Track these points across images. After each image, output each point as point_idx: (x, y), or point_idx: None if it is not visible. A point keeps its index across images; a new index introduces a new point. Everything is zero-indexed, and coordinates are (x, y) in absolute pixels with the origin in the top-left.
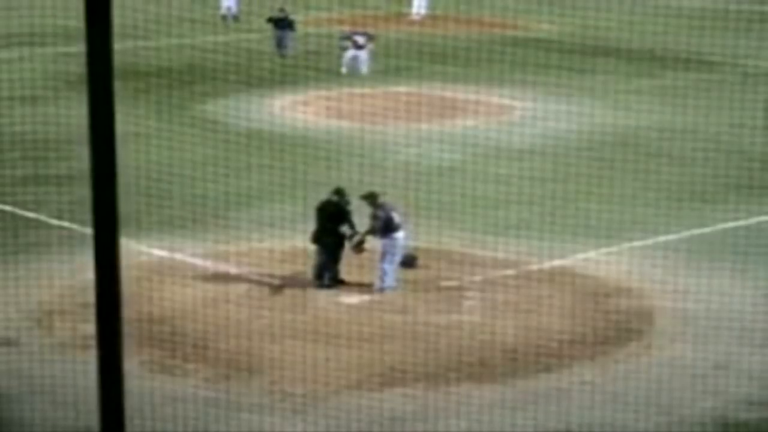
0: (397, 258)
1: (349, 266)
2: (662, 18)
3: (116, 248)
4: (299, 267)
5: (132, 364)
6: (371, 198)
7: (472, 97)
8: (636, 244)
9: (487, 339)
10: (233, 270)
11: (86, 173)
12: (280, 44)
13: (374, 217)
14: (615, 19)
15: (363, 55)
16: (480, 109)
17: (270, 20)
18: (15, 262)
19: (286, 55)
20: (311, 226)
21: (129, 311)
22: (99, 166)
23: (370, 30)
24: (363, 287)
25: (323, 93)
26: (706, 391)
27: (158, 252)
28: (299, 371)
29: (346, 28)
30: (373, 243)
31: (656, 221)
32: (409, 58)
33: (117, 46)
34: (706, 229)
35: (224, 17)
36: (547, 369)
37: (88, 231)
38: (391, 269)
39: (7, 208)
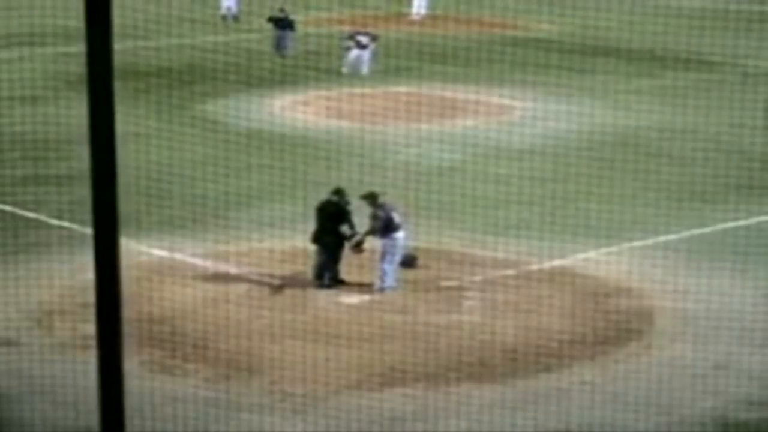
0: (397, 258)
1: (349, 266)
2: (662, 18)
3: (116, 248)
4: (299, 267)
5: (132, 364)
6: (371, 198)
7: (472, 97)
8: (636, 244)
9: (487, 339)
10: (233, 270)
11: (86, 173)
12: (280, 44)
13: (374, 217)
14: (615, 19)
15: (365, 54)
16: (480, 109)
17: (270, 20)
18: (15, 262)
19: (286, 55)
20: (311, 226)
21: (129, 311)
22: (99, 166)
23: (372, 30)
24: (363, 287)
25: (323, 93)
26: (706, 391)
27: (158, 252)
28: (299, 371)
29: (347, 28)
30: (373, 243)
31: (656, 221)
32: (409, 58)
33: (117, 46)
34: (706, 229)
35: (224, 17)
36: (547, 369)
37: (88, 231)
38: (391, 269)
39: (7, 208)
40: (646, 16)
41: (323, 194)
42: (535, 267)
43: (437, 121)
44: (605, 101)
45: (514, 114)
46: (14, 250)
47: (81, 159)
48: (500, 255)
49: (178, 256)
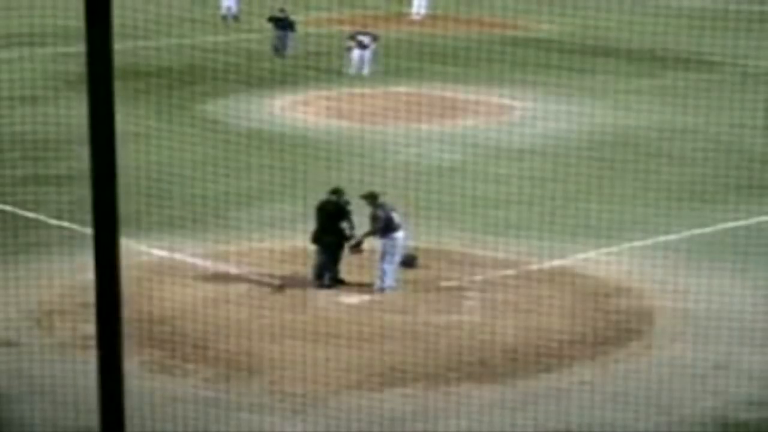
0: (397, 258)
1: (349, 266)
2: (662, 18)
3: (116, 248)
4: (299, 267)
5: (132, 364)
6: (371, 198)
7: (472, 97)
8: (636, 244)
9: (487, 339)
10: (233, 270)
11: (86, 173)
12: (280, 45)
13: (374, 217)
14: (615, 19)
15: (367, 55)
16: (480, 109)
17: (270, 20)
18: (15, 262)
19: (286, 55)
20: (311, 226)
21: (129, 311)
22: (99, 166)
23: (373, 30)
24: (363, 287)
25: (323, 93)
26: (706, 391)
27: (158, 252)
28: (299, 371)
29: (347, 28)
30: (373, 243)
31: (656, 221)
32: (409, 58)
33: (117, 46)
34: (706, 229)
35: (224, 17)
36: (547, 369)
37: (88, 231)
38: (391, 269)
39: (8, 208)
40: (646, 16)
41: (323, 194)
42: (535, 267)
43: (437, 121)
44: (605, 101)
45: (514, 114)
46: (14, 250)
47: (81, 159)
48: (500, 255)
49: (178, 256)
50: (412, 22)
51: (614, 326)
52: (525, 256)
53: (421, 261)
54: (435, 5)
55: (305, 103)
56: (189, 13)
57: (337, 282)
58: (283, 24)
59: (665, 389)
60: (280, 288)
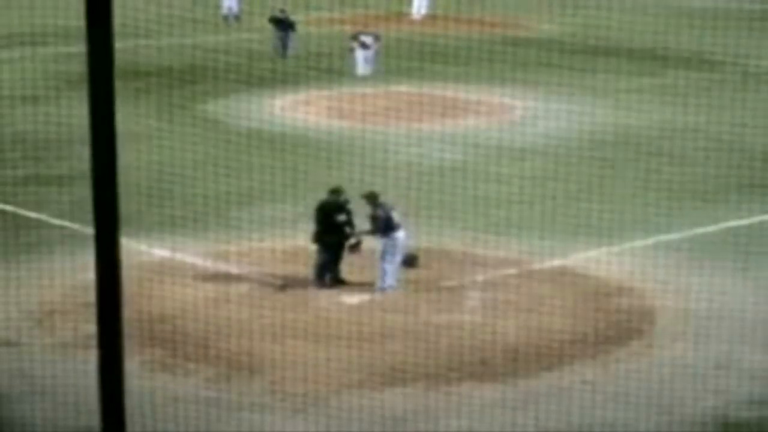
0: (398, 258)
1: (349, 266)
2: (663, 17)
3: (117, 248)
4: (300, 267)
5: (133, 364)
6: (372, 198)
7: (473, 96)
8: (637, 243)
9: (488, 338)
10: (234, 270)
11: (87, 173)
12: (281, 45)
13: (373, 217)
14: (616, 18)
15: (369, 55)
16: (481, 109)
17: (271, 21)
18: (16, 262)
19: (287, 56)
20: (312, 225)
21: (130, 311)
22: (100, 165)
23: (373, 29)
24: (364, 287)
25: (324, 93)
26: (708, 390)
27: (159, 252)
28: (300, 371)
29: (348, 28)
30: (373, 243)
31: (657, 220)
32: (410, 58)
33: (118, 45)
34: (708, 229)
35: (225, 17)
36: (548, 368)
37: (89, 231)
38: (392, 269)
39: (9, 207)
40: (647, 15)
41: (324, 194)
42: (536, 266)
43: (438, 121)
44: (606, 100)
45: (515, 113)
46: (15, 250)
47: (82, 159)
48: (501, 254)
49: (178, 255)
50: (412, 22)
51: (615, 326)
52: (526, 255)
53: (422, 261)
54: (436, 5)
55: (306, 103)
56: (190, 12)
57: (338, 282)
58: (283, 24)
59: (666, 388)
60: (281, 288)
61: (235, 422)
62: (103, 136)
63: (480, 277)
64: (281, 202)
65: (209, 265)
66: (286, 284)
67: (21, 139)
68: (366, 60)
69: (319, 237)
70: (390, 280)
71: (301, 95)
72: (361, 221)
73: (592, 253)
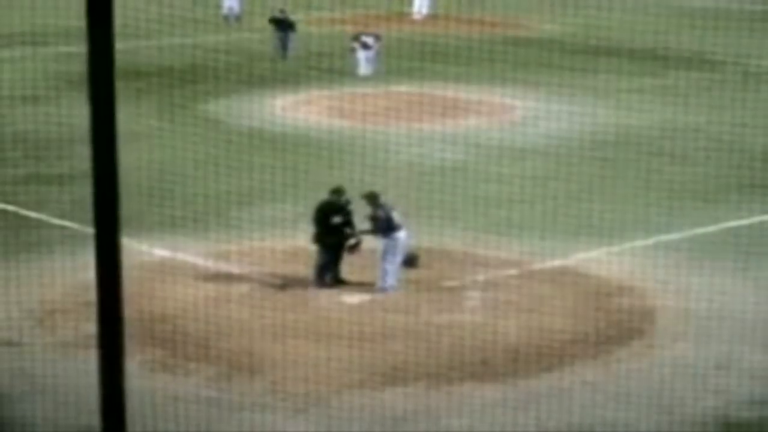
0: (399, 258)
1: (350, 266)
2: (664, 17)
3: (117, 248)
4: (301, 266)
5: (133, 364)
6: (372, 198)
7: (474, 96)
8: (638, 243)
9: (488, 338)
10: (235, 269)
11: (88, 173)
12: (282, 46)
13: (374, 217)
14: (617, 18)
15: (370, 55)
16: (482, 109)
17: (271, 22)
18: (17, 261)
19: (288, 56)
20: (312, 226)
21: (130, 311)
22: (100, 165)
23: (374, 29)
24: (364, 287)
25: (325, 93)
26: (708, 390)
27: (160, 251)
28: (301, 371)
29: (348, 28)
30: (374, 243)
31: (658, 220)
32: (410, 58)
33: (118, 45)
34: (708, 229)
35: (226, 17)
36: (549, 368)
37: (90, 230)
38: (393, 269)
39: (9, 207)
40: (648, 15)
41: (324, 194)
42: (537, 266)
43: (439, 121)
44: (607, 101)
45: (516, 114)
46: (16, 250)
47: (82, 158)
48: (502, 254)
49: (179, 255)
50: (413, 22)
51: (616, 326)
52: (527, 255)
53: (422, 261)
54: (436, 5)
55: (307, 103)
56: (191, 12)
57: (338, 282)
58: (283, 25)
59: (667, 388)
60: (282, 287)
61: (236, 422)
62: (103, 136)
63: (481, 277)
64: (281, 202)
65: (210, 265)
66: (287, 284)
67: (21, 138)
68: (367, 60)
69: (320, 237)
70: (391, 280)
71: (302, 95)
72: (361, 221)
73: (593, 253)
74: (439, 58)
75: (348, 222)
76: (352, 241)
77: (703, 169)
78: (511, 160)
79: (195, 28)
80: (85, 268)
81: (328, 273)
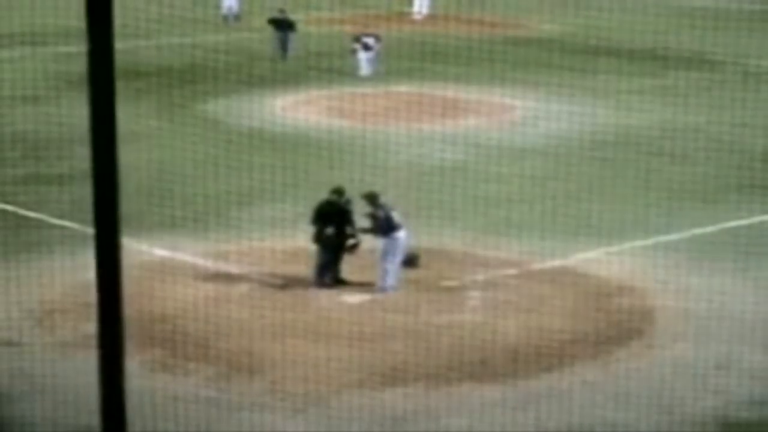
0: (399, 258)
1: (350, 266)
2: (664, 17)
3: (117, 247)
4: (301, 266)
5: (133, 364)
6: (372, 198)
7: (473, 97)
8: (637, 243)
9: (488, 338)
10: (234, 269)
11: (87, 173)
12: (282, 46)
13: (373, 217)
14: (616, 18)
15: (371, 55)
16: (482, 109)
17: (270, 22)
18: (16, 261)
19: (288, 57)
20: (312, 226)
21: (130, 310)
22: (100, 165)
23: (374, 30)
24: (364, 287)
25: (325, 93)
26: (708, 390)
27: (159, 251)
28: (300, 371)
29: (348, 28)
30: (374, 243)
31: (657, 221)
32: (410, 58)
33: (118, 45)
34: (708, 229)
35: (225, 17)
36: (549, 368)
37: (90, 230)
38: (393, 269)
39: (9, 207)
40: (648, 15)
41: (324, 194)
42: (536, 266)
43: (439, 121)
44: (607, 101)
45: (515, 114)
46: (15, 249)
47: (82, 158)
48: (502, 254)
49: (179, 255)
50: (413, 22)
51: (616, 326)
52: (526, 255)
53: (422, 261)
54: (436, 5)
55: (306, 103)
56: (190, 12)
57: (338, 282)
58: (282, 25)
59: (666, 388)
60: (282, 287)
61: (236, 422)
62: (103, 136)
63: (480, 277)
64: (281, 202)
65: (209, 264)
66: (287, 284)
67: (21, 138)
68: (368, 61)
69: (320, 237)
70: (391, 280)
71: (302, 95)
72: (361, 222)
73: (593, 254)
74: (439, 58)
75: (348, 222)
76: (351, 242)
77: (703, 170)
78: (510, 160)
79: (194, 28)
80: (85, 268)
81: (328, 273)
